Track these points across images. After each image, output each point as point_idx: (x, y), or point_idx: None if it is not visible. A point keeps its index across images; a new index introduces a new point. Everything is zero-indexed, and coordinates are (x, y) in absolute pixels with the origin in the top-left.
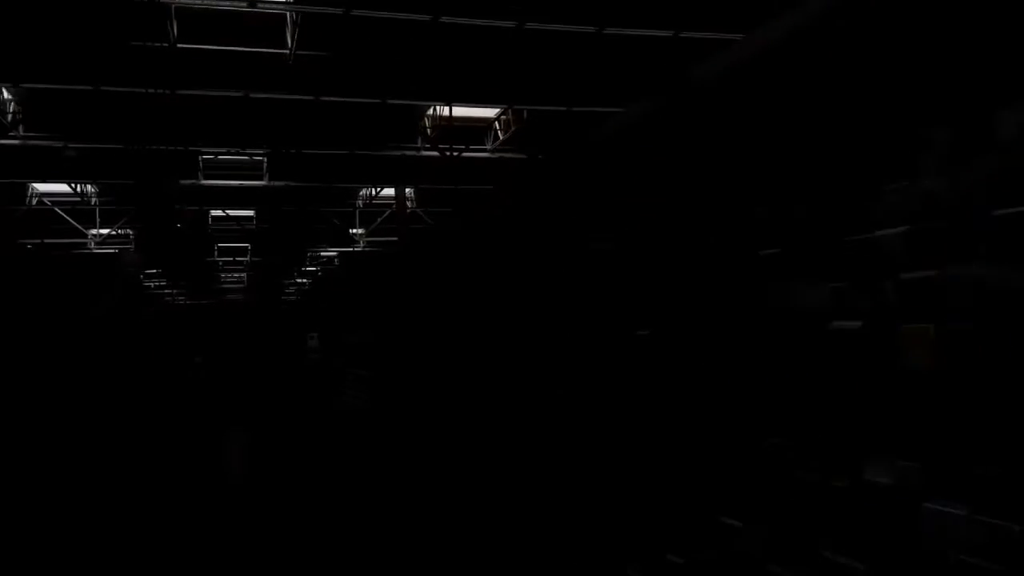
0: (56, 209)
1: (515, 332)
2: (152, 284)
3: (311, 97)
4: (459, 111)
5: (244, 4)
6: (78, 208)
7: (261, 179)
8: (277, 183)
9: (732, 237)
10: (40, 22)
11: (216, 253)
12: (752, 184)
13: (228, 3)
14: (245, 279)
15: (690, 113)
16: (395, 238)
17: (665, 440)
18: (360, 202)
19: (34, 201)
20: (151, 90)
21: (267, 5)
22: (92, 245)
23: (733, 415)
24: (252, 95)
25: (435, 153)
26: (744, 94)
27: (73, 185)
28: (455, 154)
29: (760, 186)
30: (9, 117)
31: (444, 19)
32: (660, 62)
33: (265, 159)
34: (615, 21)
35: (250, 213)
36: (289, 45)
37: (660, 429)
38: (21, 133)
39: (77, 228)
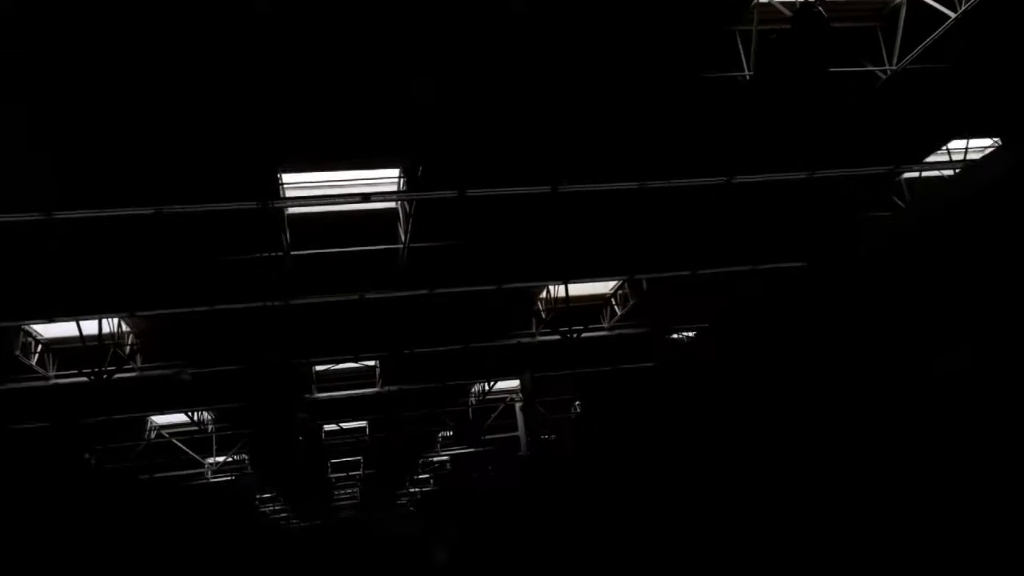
0: (174, 440)
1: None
2: (268, 509)
3: (425, 291)
4: (574, 289)
5: (357, 199)
6: (195, 437)
7: (374, 386)
8: (391, 388)
9: None
10: (150, 245)
11: (329, 470)
12: None
13: (342, 201)
14: (358, 494)
15: None
16: (515, 433)
17: None
18: (473, 399)
19: (153, 434)
20: (268, 303)
21: (380, 197)
22: (208, 474)
23: None
24: (367, 296)
25: (551, 337)
26: None
27: (190, 413)
28: (575, 336)
29: None
30: (127, 349)
31: (561, 189)
32: (793, 207)
33: (377, 364)
34: (739, 167)
35: (362, 424)
36: (403, 239)
37: None
38: (138, 364)
39: (194, 458)
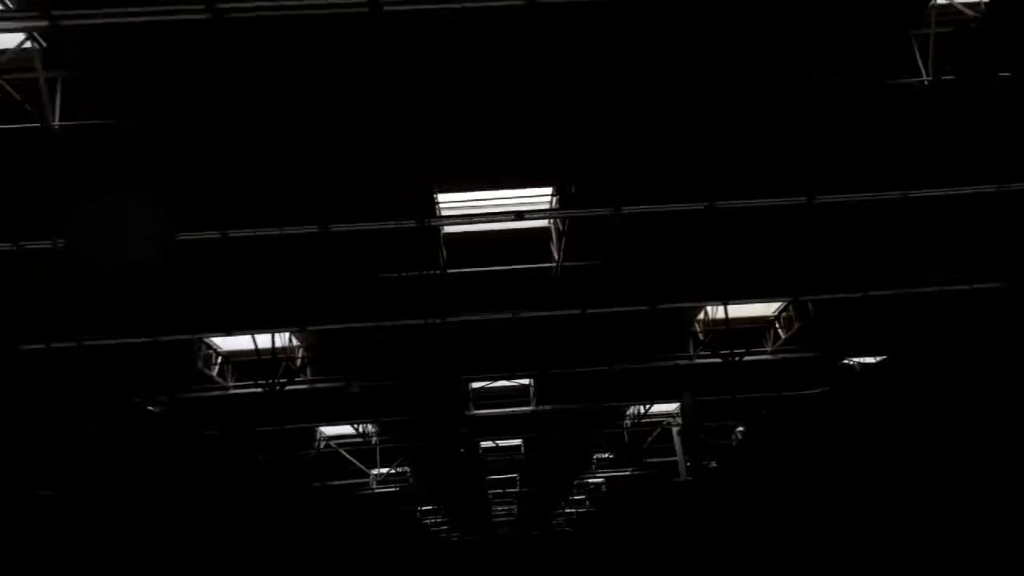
0: (341, 451)
1: None
2: (429, 521)
3: (578, 311)
4: (734, 311)
5: (511, 217)
6: (360, 449)
7: (528, 405)
8: (545, 407)
9: None
10: (317, 263)
11: (487, 485)
12: None
13: (496, 220)
14: (515, 511)
15: None
16: (674, 457)
17: None
18: (628, 421)
19: (322, 444)
20: (427, 320)
21: (534, 215)
22: (374, 484)
23: None
24: (520, 315)
25: (711, 360)
26: None
27: (356, 426)
28: (736, 359)
29: None
30: (298, 362)
31: (718, 205)
32: (977, 223)
33: (531, 383)
34: (917, 180)
35: (517, 442)
36: (556, 258)
37: None
38: (309, 377)
39: (361, 469)
